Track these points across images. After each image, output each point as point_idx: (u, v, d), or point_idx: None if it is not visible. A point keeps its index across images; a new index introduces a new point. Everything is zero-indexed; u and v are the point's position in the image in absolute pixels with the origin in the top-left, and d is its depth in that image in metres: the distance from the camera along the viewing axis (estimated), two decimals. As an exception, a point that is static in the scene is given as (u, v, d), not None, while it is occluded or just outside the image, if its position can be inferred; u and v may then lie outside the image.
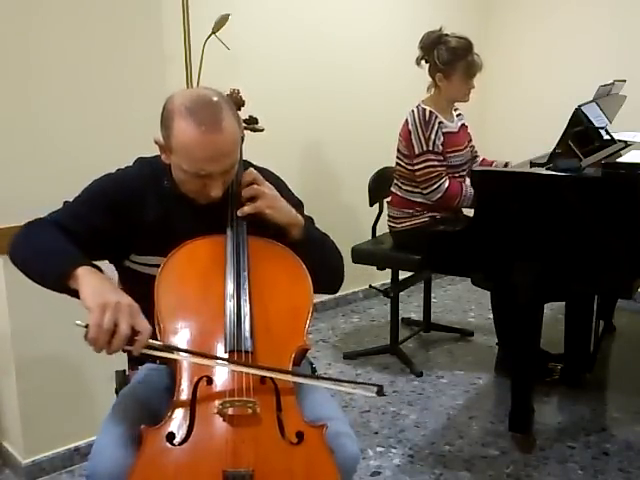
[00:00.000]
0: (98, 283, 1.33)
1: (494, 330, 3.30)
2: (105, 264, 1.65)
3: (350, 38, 3.89)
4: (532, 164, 2.63)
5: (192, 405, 1.31)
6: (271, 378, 1.35)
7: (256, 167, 1.71)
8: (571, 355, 3.02)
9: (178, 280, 1.49)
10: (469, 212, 2.89)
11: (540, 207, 2.39)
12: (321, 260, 1.61)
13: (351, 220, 3.94)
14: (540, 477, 2.41)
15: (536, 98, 4.38)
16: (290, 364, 1.41)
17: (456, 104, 3.27)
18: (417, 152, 3.08)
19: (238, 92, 1.82)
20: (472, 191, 3.06)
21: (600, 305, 3.20)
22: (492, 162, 3.38)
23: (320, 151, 3.89)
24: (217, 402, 1.30)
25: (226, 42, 2.98)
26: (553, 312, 3.68)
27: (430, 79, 3.18)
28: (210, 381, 1.34)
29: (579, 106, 2.64)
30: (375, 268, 3.41)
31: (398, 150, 3.22)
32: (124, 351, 1.34)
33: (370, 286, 3.57)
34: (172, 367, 1.41)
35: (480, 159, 3.40)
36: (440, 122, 3.09)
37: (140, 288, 1.53)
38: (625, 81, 3.33)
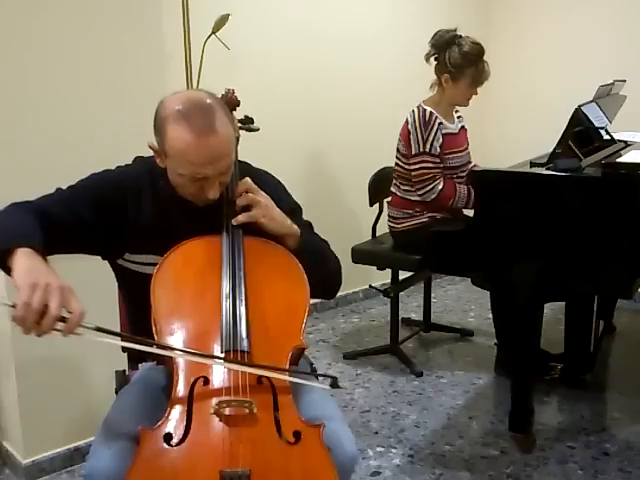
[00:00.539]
0: (32, 264, 1.29)
1: (494, 330, 3.30)
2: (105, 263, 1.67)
3: (350, 38, 3.88)
4: (532, 164, 2.63)
5: (189, 405, 1.31)
6: (268, 377, 1.35)
7: (254, 169, 1.72)
8: (571, 355, 3.02)
9: (174, 280, 1.49)
10: (469, 212, 2.89)
11: (540, 207, 2.38)
12: (317, 269, 1.60)
13: (351, 220, 3.94)
14: (540, 477, 2.41)
15: (536, 98, 4.37)
16: (287, 364, 1.42)
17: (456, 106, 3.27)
18: (414, 152, 3.08)
19: (233, 92, 1.82)
20: (466, 192, 3.07)
21: (600, 305, 3.20)
22: None
23: (320, 151, 3.89)
24: (214, 402, 1.30)
25: (226, 42, 2.98)
26: (553, 312, 3.68)
27: (434, 77, 3.17)
28: (207, 381, 1.34)
29: (579, 106, 2.64)
30: (375, 268, 3.42)
31: (398, 150, 3.22)
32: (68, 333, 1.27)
33: (370, 286, 3.57)
34: (170, 367, 1.41)
35: (471, 165, 3.38)
36: (440, 123, 3.09)
37: (135, 287, 1.54)
38: (625, 81, 3.32)
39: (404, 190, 3.20)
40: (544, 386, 2.98)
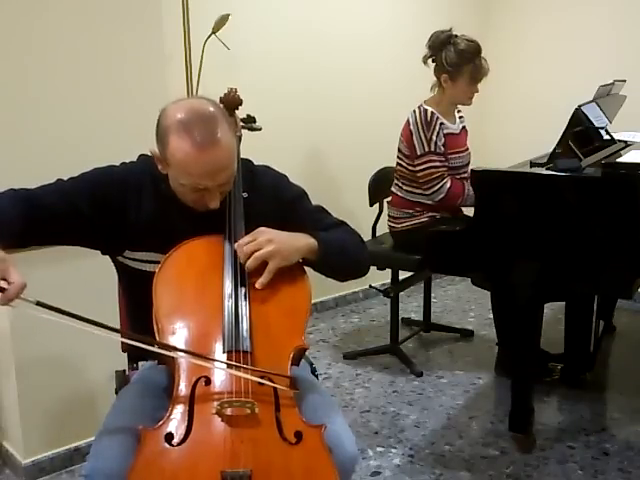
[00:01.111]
0: None
1: (494, 330, 3.30)
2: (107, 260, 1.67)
3: (350, 38, 3.88)
4: (532, 164, 2.63)
5: (190, 405, 1.31)
6: (269, 378, 1.35)
7: (257, 166, 1.72)
8: (571, 355, 3.02)
9: (176, 280, 1.49)
10: (469, 212, 2.88)
11: (540, 207, 2.38)
12: (345, 260, 1.62)
13: (351, 220, 3.87)
14: (540, 477, 2.41)
15: (536, 98, 4.37)
16: (289, 364, 1.41)
17: (459, 106, 3.26)
18: (419, 153, 3.08)
19: (235, 91, 1.82)
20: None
21: (600, 305, 3.20)
22: None
23: (320, 151, 3.89)
24: (215, 402, 1.30)
25: (226, 42, 2.98)
26: (553, 312, 3.68)
27: (434, 78, 3.17)
28: (208, 381, 1.34)
29: (579, 106, 2.65)
30: (375, 268, 3.41)
31: (399, 150, 3.22)
32: None
33: (370, 286, 3.57)
34: (171, 367, 1.41)
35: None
36: (441, 123, 3.09)
37: (136, 285, 1.54)
38: (625, 81, 3.33)
39: (406, 190, 3.20)
40: (544, 386, 2.98)
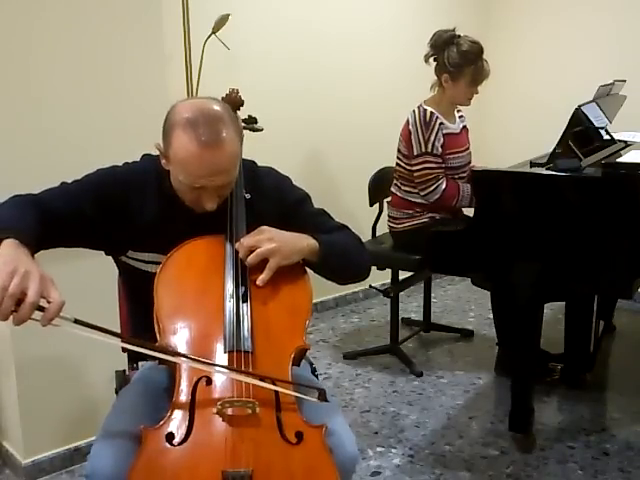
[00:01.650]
0: (14, 254, 1.28)
1: (494, 330, 3.30)
2: (107, 261, 1.67)
3: (350, 38, 3.88)
4: (532, 164, 2.63)
5: (191, 405, 1.31)
6: (270, 378, 1.35)
7: (260, 167, 1.72)
8: (571, 355, 3.02)
9: (177, 280, 1.49)
10: (469, 212, 2.89)
11: (540, 207, 2.38)
12: (345, 263, 1.62)
13: (351, 220, 3.87)
14: (540, 477, 2.41)
15: (536, 98, 4.38)
16: (289, 364, 1.41)
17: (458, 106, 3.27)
18: (416, 153, 3.08)
19: (237, 92, 1.82)
20: (469, 190, 3.07)
21: (600, 305, 3.20)
22: None
23: (320, 151, 3.89)
24: (216, 402, 1.30)
25: (226, 42, 2.98)
26: (553, 312, 3.68)
27: (435, 78, 3.17)
28: (209, 381, 1.34)
29: (579, 106, 2.65)
30: (375, 268, 3.41)
31: (398, 150, 3.22)
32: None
33: (370, 286, 3.56)
34: (171, 367, 1.41)
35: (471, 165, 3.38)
36: (441, 123, 3.09)
37: (139, 285, 1.54)
38: (625, 81, 3.33)
39: (405, 191, 3.20)
40: (544, 386, 2.98)
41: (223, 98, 1.79)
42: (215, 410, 1.29)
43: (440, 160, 3.09)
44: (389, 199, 3.34)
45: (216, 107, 1.48)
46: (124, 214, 1.56)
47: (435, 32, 3.13)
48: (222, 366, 1.35)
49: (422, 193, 3.11)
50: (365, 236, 3.47)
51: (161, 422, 1.30)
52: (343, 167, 3.94)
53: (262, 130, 1.93)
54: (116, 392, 1.71)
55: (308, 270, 1.58)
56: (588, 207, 2.34)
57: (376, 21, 4.02)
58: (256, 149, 1.92)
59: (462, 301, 4.24)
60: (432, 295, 3.79)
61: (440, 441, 2.66)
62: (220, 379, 1.35)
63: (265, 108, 2.15)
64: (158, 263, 1.51)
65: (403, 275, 3.39)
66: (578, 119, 2.65)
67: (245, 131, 1.89)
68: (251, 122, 1.92)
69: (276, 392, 1.34)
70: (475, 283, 3.21)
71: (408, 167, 3.15)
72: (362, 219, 3.35)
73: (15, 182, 2.17)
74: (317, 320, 3.86)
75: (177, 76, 2.87)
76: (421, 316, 3.77)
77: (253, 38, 3.42)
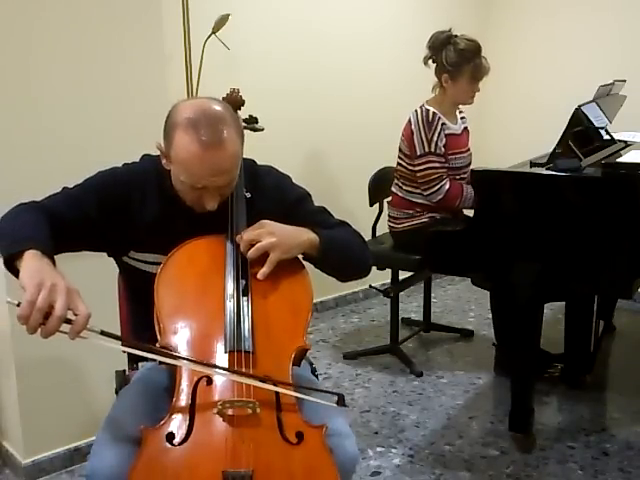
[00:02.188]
0: (39, 265, 1.29)
1: (494, 330, 3.30)
2: (106, 261, 1.67)
3: (351, 38, 3.88)
4: (532, 164, 2.63)
5: (192, 405, 1.31)
6: (271, 380, 1.35)
7: (260, 166, 1.72)
8: (571, 355, 3.02)
9: (178, 280, 1.49)
10: (469, 212, 2.89)
11: (540, 207, 2.38)
12: (346, 258, 1.63)
13: (351, 220, 3.86)
14: (540, 477, 2.41)
15: (536, 98, 4.38)
16: (290, 364, 1.41)
17: (460, 106, 3.27)
18: (419, 153, 3.08)
19: (238, 91, 1.82)
20: (473, 191, 3.06)
21: (600, 305, 3.20)
22: None
23: (320, 151, 3.89)
24: (217, 402, 1.30)
25: (226, 42, 2.98)
26: (553, 312, 3.68)
27: (436, 79, 3.17)
28: (210, 381, 1.34)
29: (579, 106, 2.65)
30: (375, 268, 3.41)
31: (400, 150, 3.22)
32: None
33: (370, 286, 3.57)
34: (172, 367, 1.40)
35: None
36: (443, 123, 3.09)
37: (139, 285, 1.55)
38: (625, 81, 3.33)
39: (406, 190, 3.20)
40: (544, 386, 2.98)
41: (224, 98, 1.79)
42: (215, 410, 1.29)
43: (443, 160, 3.09)
44: (389, 199, 3.34)
45: (218, 107, 1.48)
46: (126, 214, 1.56)
47: (432, 34, 3.14)
48: (225, 369, 1.35)
49: (425, 193, 3.11)
50: (365, 236, 3.42)
51: (161, 422, 1.30)
52: (343, 167, 3.94)
53: (263, 130, 1.93)
54: (116, 392, 1.70)
55: (309, 269, 1.58)
56: (588, 207, 2.34)
57: (376, 21, 4.02)
58: (256, 149, 1.91)
59: (462, 301, 4.24)
60: (432, 295, 3.80)
61: (440, 441, 2.66)
62: (220, 379, 1.35)
63: (265, 108, 2.14)
64: (159, 264, 1.51)
65: (403, 275, 3.39)
66: (578, 119, 2.65)
67: (246, 131, 1.89)
68: (252, 122, 1.92)
69: (277, 393, 1.34)
70: (475, 283, 3.20)
71: (410, 167, 3.15)
72: (362, 219, 3.35)
73: (15, 182, 2.18)
74: (317, 320, 3.86)
75: (177, 76, 2.87)
76: (421, 316, 3.77)
77: (253, 38, 3.42)
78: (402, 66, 4.04)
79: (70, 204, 1.52)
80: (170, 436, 1.27)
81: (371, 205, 3.44)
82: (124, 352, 1.68)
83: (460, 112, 3.29)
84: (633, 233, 2.27)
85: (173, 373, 1.39)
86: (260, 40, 3.47)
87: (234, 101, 1.78)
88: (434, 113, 3.08)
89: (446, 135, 3.09)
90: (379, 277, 3.71)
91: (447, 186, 3.07)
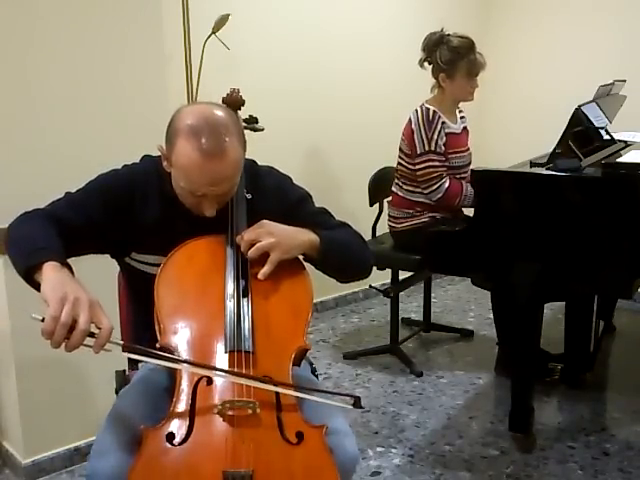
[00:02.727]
0: (59, 278, 1.29)
1: (494, 330, 3.30)
2: (107, 261, 1.67)
3: (351, 38, 3.88)
4: (532, 164, 2.63)
5: (192, 405, 1.31)
6: (271, 378, 1.35)
7: (260, 166, 1.72)
8: (571, 355, 3.02)
9: (178, 280, 1.49)
10: (469, 212, 2.89)
11: (540, 207, 2.38)
12: (347, 259, 1.62)
13: (351, 220, 3.87)
14: (540, 477, 2.41)
15: (536, 98, 4.38)
16: (290, 364, 1.41)
17: (460, 106, 3.27)
18: (419, 152, 3.08)
19: (238, 91, 1.81)
20: (473, 190, 3.06)
21: (600, 305, 3.20)
22: None
23: (320, 151, 3.89)
24: (217, 402, 1.30)
25: (226, 42, 2.98)
26: (553, 312, 3.68)
27: (434, 80, 3.18)
28: (210, 381, 1.34)
29: (579, 106, 2.65)
30: (375, 268, 3.40)
31: (400, 149, 3.22)
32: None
33: (370, 286, 3.56)
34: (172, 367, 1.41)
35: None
36: (443, 122, 3.09)
37: (141, 287, 1.55)
38: (625, 81, 3.33)
39: (406, 190, 3.20)
40: (544, 386, 2.98)
41: (224, 98, 1.78)
42: (216, 410, 1.29)
43: (443, 158, 3.09)
44: (389, 199, 3.34)
45: (220, 114, 1.47)
46: (129, 215, 1.56)
47: (425, 36, 3.15)
48: (226, 371, 1.35)
49: (426, 192, 3.11)
50: (365, 236, 3.43)
51: (161, 422, 1.30)
52: (343, 167, 3.94)
53: (263, 130, 1.93)
54: (116, 392, 1.70)
55: (309, 269, 1.58)
56: (588, 207, 2.34)
57: (376, 21, 4.02)
58: (256, 148, 1.91)
59: (462, 301, 4.24)
60: (432, 295, 3.80)
61: (440, 441, 2.66)
62: (220, 380, 1.35)
63: (265, 108, 2.14)
64: (160, 265, 1.51)
65: (403, 275, 3.39)
66: (578, 119, 2.65)
67: (246, 131, 1.89)
68: (252, 122, 1.92)
69: (277, 393, 1.34)
70: (475, 283, 3.20)
71: (410, 166, 3.15)
72: (362, 219, 3.35)
73: (14, 182, 2.18)
74: (317, 320, 3.86)
75: (177, 76, 2.87)
76: (421, 316, 3.77)
77: (253, 38, 3.42)
78: (402, 66, 4.03)
79: (75, 210, 1.52)
80: (170, 436, 1.27)
81: (371, 205, 3.44)
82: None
83: (460, 111, 3.29)
84: (633, 233, 2.27)
85: (173, 373, 1.39)
86: (260, 40, 3.47)
87: (234, 101, 1.78)
88: (434, 112, 3.08)
89: (446, 134, 3.10)
90: (379, 277, 3.71)
91: (447, 184, 3.07)
